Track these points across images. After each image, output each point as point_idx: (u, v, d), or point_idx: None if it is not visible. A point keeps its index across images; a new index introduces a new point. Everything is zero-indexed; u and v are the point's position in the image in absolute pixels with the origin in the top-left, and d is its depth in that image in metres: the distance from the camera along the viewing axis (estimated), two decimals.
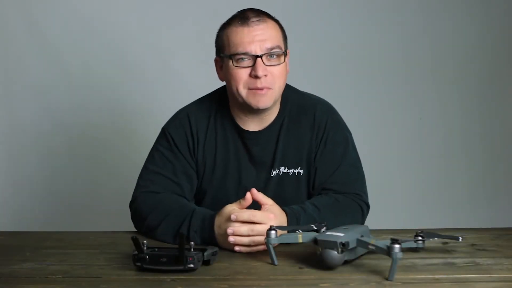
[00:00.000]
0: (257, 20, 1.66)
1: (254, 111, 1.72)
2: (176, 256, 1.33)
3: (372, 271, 1.34)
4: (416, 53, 3.25)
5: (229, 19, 1.72)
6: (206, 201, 1.80)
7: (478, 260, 1.43)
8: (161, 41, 3.12)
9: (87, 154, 3.14)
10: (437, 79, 3.27)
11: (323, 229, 1.43)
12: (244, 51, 1.65)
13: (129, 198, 1.77)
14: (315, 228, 1.44)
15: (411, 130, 3.28)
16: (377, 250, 1.31)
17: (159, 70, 3.13)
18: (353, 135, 1.84)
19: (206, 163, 1.78)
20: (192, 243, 1.35)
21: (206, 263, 1.38)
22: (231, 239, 1.50)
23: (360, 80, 3.24)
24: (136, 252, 1.35)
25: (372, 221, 1.74)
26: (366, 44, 3.22)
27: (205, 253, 1.37)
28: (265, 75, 1.65)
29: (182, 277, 1.32)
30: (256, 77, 1.64)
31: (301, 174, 1.77)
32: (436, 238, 1.49)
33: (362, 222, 1.75)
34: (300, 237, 1.41)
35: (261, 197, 1.57)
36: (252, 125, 1.76)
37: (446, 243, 1.57)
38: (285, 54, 1.70)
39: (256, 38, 1.65)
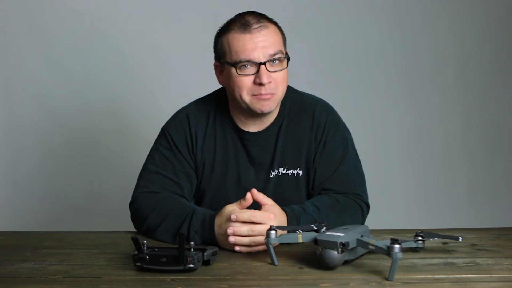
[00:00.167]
0: (259, 26, 1.65)
1: (256, 115, 1.72)
2: (176, 256, 1.33)
3: (372, 271, 1.34)
4: (416, 53, 3.25)
5: (227, 23, 1.70)
6: (205, 201, 1.80)
7: (478, 260, 1.43)
8: (161, 41, 3.12)
9: (87, 154, 3.14)
10: (437, 79, 3.28)
11: (323, 229, 1.43)
12: (247, 58, 1.64)
13: (129, 198, 1.77)
14: (315, 228, 1.44)
15: (411, 130, 3.28)
16: (377, 250, 1.31)
17: (158, 70, 3.13)
18: (353, 135, 1.84)
19: (205, 163, 1.78)
20: (192, 243, 1.35)
21: (206, 263, 1.38)
22: (232, 239, 1.50)
23: (360, 80, 3.24)
24: (136, 252, 1.35)
25: (372, 221, 1.74)
26: (366, 44, 3.23)
27: (205, 253, 1.37)
28: (269, 82, 1.65)
29: (182, 277, 1.32)
30: (261, 84, 1.64)
31: (300, 175, 1.77)
32: (436, 238, 1.48)
33: (362, 222, 1.75)
34: (300, 237, 1.41)
35: (261, 197, 1.57)
36: (252, 126, 1.76)
37: (446, 243, 1.57)
38: (287, 58, 1.70)
39: (259, 44, 1.64)
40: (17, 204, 3.13)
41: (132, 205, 1.76)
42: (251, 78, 1.65)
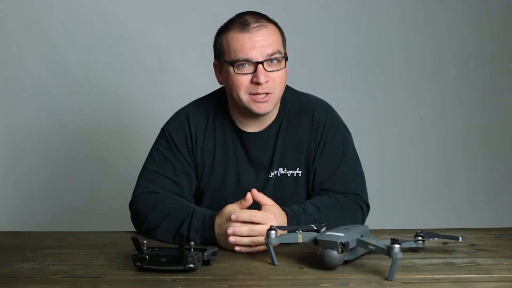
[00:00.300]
0: (257, 25, 1.66)
1: (254, 115, 1.72)
2: (176, 256, 1.33)
3: (372, 271, 1.34)
4: (416, 53, 3.25)
5: (227, 23, 1.71)
6: (204, 201, 1.80)
7: (478, 260, 1.43)
8: (161, 41, 3.12)
9: (87, 154, 3.14)
10: (437, 79, 3.28)
11: (323, 229, 1.43)
12: (245, 57, 1.64)
13: (129, 198, 1.77)
14: (315, 228, 1.44)
15: (411, 130, 3.28)
16: (377, 250, 1.31)
17: (158, 70, 3.13)
18: (353, 135, 1.84)
19: (205, 163, 1.78)
20: (192, 243, 1.35)
21: (206, 263, 1.38)
22: (232, 239, 1.50)
23: (360, 80, 3.24)
24: (136, 252, 1.35)
25: (372, 221, 1.74)
26: (366, 44, 3.23)
27: (205, 253, 1.37)
28: (267, 81, 1.65)
29: (182, 277, 1.32)
30: (258, 83, 1.64)
31: (300, 175, 1.77)
32: (436, 238, 1.48)
33: (362, 222, 1.75)
34: (300, 237, 1.41)
35: (261, 197, 1.57)
36: (251, 126, 1.76)
37: (446, 243, 1.57)
38: (285, 58, 1.70)
39: (257, 44, 1.64)
40: (17, 204, 3.13)
41: (132, 205, 1.76)
42: (249, 77, 1.65)
